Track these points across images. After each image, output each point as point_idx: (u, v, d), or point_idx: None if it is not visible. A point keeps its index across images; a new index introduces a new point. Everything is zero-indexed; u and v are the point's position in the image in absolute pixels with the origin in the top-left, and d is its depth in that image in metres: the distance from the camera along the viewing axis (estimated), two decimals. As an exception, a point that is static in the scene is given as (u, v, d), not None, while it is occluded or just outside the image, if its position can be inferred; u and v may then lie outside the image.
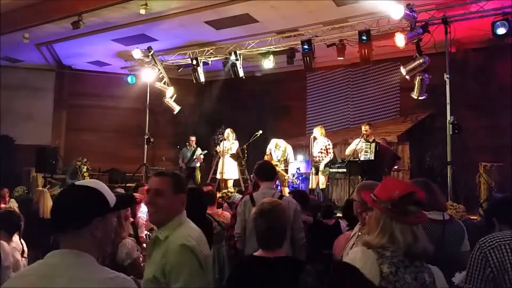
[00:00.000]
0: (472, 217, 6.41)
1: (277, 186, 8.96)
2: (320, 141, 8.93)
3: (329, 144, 8.88)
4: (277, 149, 9.38)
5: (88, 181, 1.64)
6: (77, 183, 1.64)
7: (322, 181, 8.89)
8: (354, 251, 1.89)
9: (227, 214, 5.06)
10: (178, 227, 2.15)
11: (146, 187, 5.28)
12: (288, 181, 9.51)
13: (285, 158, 9.40)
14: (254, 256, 2.41)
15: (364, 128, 8.54)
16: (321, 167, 8.82)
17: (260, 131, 9.90)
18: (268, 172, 4.16)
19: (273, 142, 9.48)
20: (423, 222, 1.90)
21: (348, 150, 8.74)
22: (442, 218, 3.02)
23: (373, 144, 8.28)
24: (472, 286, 2.18)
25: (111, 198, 1.60)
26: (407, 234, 1.81)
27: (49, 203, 5.72)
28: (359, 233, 2.71)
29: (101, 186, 1.61)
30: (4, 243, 3.46)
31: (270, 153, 9.39)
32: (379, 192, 1.95)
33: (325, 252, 3.77)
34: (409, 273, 1.77)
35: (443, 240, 2.87)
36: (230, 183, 10.00)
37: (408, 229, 1.82)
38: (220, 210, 5.31)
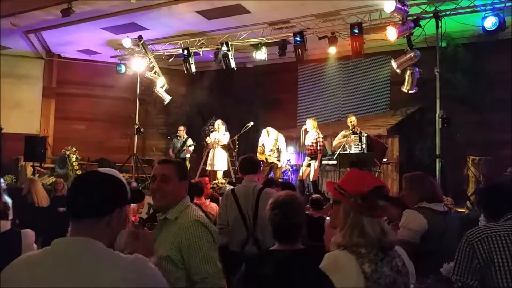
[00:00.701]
0: (460, 210, 6.51)
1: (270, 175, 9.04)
2: (311, 134, 8.95)
3: (319, 138, 8.89)
4: (269, 136, 9.37)
5: (108, 170, 1.61)
6: (100, 170, 1.60)
7: (312, 173, 8.94)
8: (331, 257, 1.79)
9: (214, 206, 5.12)
10: (186, 208, 2.28)
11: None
12: (282, 171, 9.55)
13: (277, 147, 9.42)
14: (273, 250, 2.31)
15: (350, 119, 8.59)
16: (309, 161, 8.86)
17: (251, 123, 9.90)
18: (249, 166, 4.15)
19: (264, 131, 9.49)
20: (387, 215, 1.91)
21: (336, 141, 8.80)
22: (443, 210, 3.11)
23: (364, 137, 8.35)
24: (460, 277, 2.22)
25: (128, 189, 1.60)
26: (375, 227, 1.79)
27: (41, 191, 5.69)
28: None
29: (121, 176, 1.60)
30: (28, 231, 3.39)
31: (263, 144, 9.40)
32: (345, 184, 1.89)
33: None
34: (385, 265, 1.76)
35: (445, 231, 2.94)
36: (219, 174, 10.01)
37: (375, 223, 1.80)
38: (207, 201, 5.35)
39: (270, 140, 9.45)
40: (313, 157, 8.81)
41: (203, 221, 2.21)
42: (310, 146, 8.84)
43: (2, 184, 6.52)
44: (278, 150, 9.42)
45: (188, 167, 11.04)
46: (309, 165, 8.87)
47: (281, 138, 9.54)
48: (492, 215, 2.43)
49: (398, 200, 3.51)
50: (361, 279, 1.69)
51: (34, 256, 1.48)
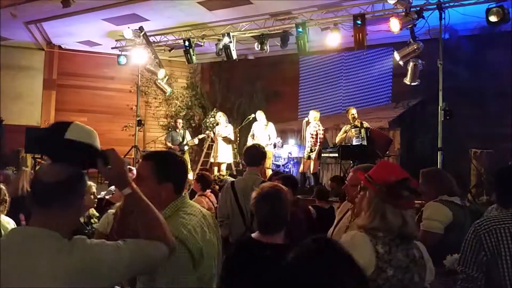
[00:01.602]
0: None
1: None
2: (312, 125, 8.93)
3: (320, 130, 8.87)
4: (259, 121, 9.42)
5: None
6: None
7: (313, 165, 8.93)
8: (349, 235, 1.93)
9: (212, 197, 5.17)
10: (173, 214, 1.92)
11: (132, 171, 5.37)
12: (283, 163, 9.57)
13: (268, 134, 9.43)
14: (251, 239, 2.39)
15: (351, 112, 8.56)
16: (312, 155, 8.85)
17: (253, 115, 9.89)
18: (252, 157, 3.98)
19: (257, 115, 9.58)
20: (413, 207, 1.96)
21: (339, 138, 8.79)
22: (462, 204, 3.19)
23: (363, 130, 8.33)
24: (465, 269, 2.22)
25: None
26: (397, 217, 1.87)
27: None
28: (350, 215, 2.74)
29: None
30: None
31: (253, 134, 9.47)
32: (375, 174, 1.99)
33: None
34: (400, 250, 1.85)
35: (465, 224, 2.95)
36: (223, 167, 10.02)
37: (398, 213, 1.88)
38: (207, 192, 5.41)
39: (260, 126, 9.48)
40: (313, 149, 8.80)
41: (182, 236, 1.82)
42: (310, 137, 8.83)
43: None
44: (268, 137, 9.42)
45: (188, 160, 11.06)
46: (309, 158, 8.86)
47: (271, 125, 9.57)
48: (504, 200, 2.41)
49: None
50: (373, 258, 1.80)
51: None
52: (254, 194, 2.41)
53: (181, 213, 1.94)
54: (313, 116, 8.91)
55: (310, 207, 5.25)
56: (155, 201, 1.86)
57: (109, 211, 3.02)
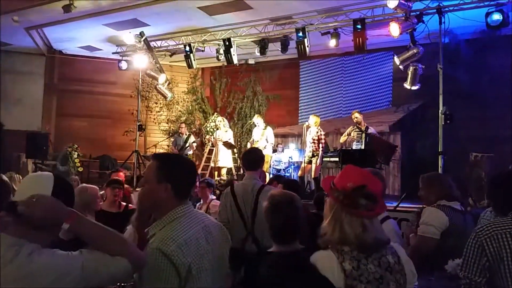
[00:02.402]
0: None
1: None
2: (312, 130, 8.93)
3: (321, 135, 8.88)
4: (257, 126, 9.44)
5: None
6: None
7: (314, 170, 8.92)
8: (314, 258, 1.81)
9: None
10: (168, 224, 1.86)
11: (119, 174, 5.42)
12: (284, 167, 9.57)
13: (265, 138, 9.44)
14: (271, 252, 2.29)
15: (354, 116, 8.61)
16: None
17: (254, 119, 9.92)
18: (250, 162, 3.94)
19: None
20: (374, 216, 1.82)
21: (342, 139, 8.83)
22: (461, 209, 3.15)
23: (363, 135, 8.34)
24: (468, 274, 2.20)
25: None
26: (356, 226, 1.77)
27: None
28: None
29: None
30: None
31: (252, 139, 9.50)
32: (337, 180, 1.90)
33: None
34: (371, 262, 1.75)
35: (465, 229, 2.95)
36: (223, 171, 10.03)
37: (357, 221, 1.78)
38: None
39: (258, 130, 9.50)
40: (314, 154, 8.80)
41: (168, 250, 1.73)
42: (311, 143, 8.83)
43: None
44: (266, 141, 9.43)
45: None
46: (309, 162, 8.85)
47: (269, 129, 9.60)
48: (501, 208, 2.38)
49: None
50: (341, 277, 1.70)
51: None
52: (265, 204, 2.33)
53: (176, 224, 1.86)
54: (314, 121, 8.92)
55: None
56: (154, 202, 1.90)
57: (128, 227, 3.00)
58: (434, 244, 2.93)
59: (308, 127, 8.98)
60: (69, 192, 1.73)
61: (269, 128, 9.68)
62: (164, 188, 1.87)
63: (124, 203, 4.69)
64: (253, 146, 9.33)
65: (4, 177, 3.37)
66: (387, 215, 2.64)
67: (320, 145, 8.79)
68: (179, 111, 13.24)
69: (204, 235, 1.93)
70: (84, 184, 4.25)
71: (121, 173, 5.98)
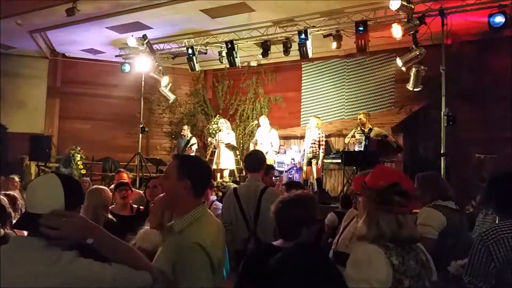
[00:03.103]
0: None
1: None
2: (314, 131, 8.93)
3: (322, 137, 8.89)
4: (261, 127, 9.44)
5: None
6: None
7: (316, 171, 8.93)
8: (361, 251, 1.85)
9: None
10: (195, 221, 2.03)
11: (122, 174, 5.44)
12: (287, 169, 9.55)
13: (270, 141, 9.43)
14: (274, 246, 2.33)
15: (359, 117, 8.62)
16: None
17: (256, 121, 9.93)
18: (252, 164, 3.99)
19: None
20: (408, 212, 1.88)
21: (347, 140, 8.83)
22: (456, 208, 3.17)
23: (364, 137, 8.34)
24: (473, 280, 2.16)
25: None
26: (391, 223, 1.83)
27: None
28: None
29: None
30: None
31: (256, 140, 9.50)
32: (369, 179, 1.96)
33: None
34: (412, 258, 1.82)
35: (461, 228, 2.95)
36: (225, 173, 10.03)
37: (392, 218, 1.83)
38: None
39: (262, 132, 9.50)
40: (314, 155, 8.80)
41: (206, 245, 1.92)
42: (312, 144, 8.83)
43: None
44: (271, 145, 9.43)
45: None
46: (310, 164, 8.85)
47: (274, 132, 9.59)
48: (503, 209, 2.35)
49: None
50: (390, 271, 1.75)
51: None
52: (275, 203, 2.37)
53: (203, 221, 2.05)
54: (316, 122, 8.94)
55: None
56: (174, 198, 2.08)
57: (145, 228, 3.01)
58: (433, 244, 2.92)
59: (309, 128, 9.00)
60: (79, 189, 1.76)
61: (273, 131, 9.66)
62: (184, 184, 2.05)
63: (136, 206, 4.70)
64: (256, 147, 9.36)
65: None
66: None
67: (321, 147, 8.80)
68: (182, 113, 13.26)
69: (222, 234, 2.16)
70: (97, 186, 4.27)
71: (124, 174, 5.99)
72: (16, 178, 6.84)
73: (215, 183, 8.11)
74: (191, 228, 1.99)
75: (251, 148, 9.63)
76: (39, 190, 1.63)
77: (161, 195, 2.34)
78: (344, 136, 9.60)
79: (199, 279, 1.88)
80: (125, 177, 5.66)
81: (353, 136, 8.67)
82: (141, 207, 4.68)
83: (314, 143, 8.85)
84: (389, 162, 9.01)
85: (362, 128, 8.51)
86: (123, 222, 3.94)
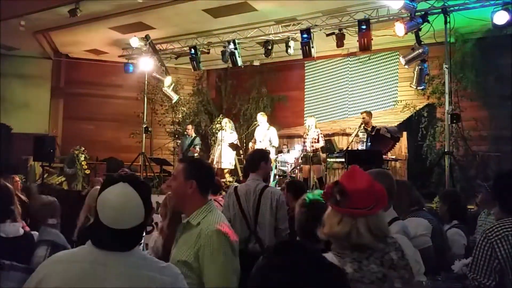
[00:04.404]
0: (469, 207, 6.45)
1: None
2: (312, 132, 8.94)
3: (320, 133, 8.92)
4: (259, 125, 9.44)
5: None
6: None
7: (316, 171, 8.91)
8: None
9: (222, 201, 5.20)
10: (209, 213, 2.25)
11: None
12: (279, 169, 9.56)
13: (269, 139, 9.42)
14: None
15: (362, 116, 8.60)
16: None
17: (257, 117, 9.92)
18: (250, 164, 4.06)
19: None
20: (358, 215, 1.76)
21: (350, 139, 8.82)
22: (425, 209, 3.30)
23: (365, 135, 8.33)
24: (477, 276, 2.15)
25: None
26: (330, 219, 1.79)
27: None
28: None
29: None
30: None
31: (254, 139, 9.51)
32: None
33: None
34: (373, 261, 1.73)
35: (440, 228, 2.96)
36: (226, 173, 10.04)
37: (338, 220, 1.77)
38: (218, 197, 5.45)
39: (261, 130, 9.49)
40: (314, 155, 8.80)
41: (225, 230, 2.16)
42: (311, 144, 8.83)
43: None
44: (269, 142, 9.41)
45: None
46: (309, 163, 8.86)
47: (272, 129, 9.58)
48: (509, 207, 2.32)
49: None
50: None
51: (71, 253, 1.59)
52: (300, 202, 2.40)
53: (215, 213, 2.28)
54: (314, 123, 8.97)
55: None
56: (182, 196, 2.30)
57: (153, 233, 3.11)
58: (432, 251, 2.91)
59: (308, 129, 9.01)
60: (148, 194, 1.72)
61: (272, 129, 9.65)
62: (190, 184, 2.26)
63: None
64: (255, 145, 9.36)
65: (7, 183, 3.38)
66: (396, 217, 2.60)
67: (320, 146, 8.81)
68: (185, 113, 13.25)
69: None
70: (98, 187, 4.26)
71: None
72: (16, 178, 6.86)
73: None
74: (207, 218, 2.21)
75: (250, 147, 9.63)
76: (125, 205, 1.54)
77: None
78: (348, 135, 9.59)
79: (225, 262, 2.09)
80: None
81: (357, 135, 8.65)
82: None
83: (314, 142, 8.84)
84: (394, 161, 8.99)
85: (365, 127, 8.49)
86: None
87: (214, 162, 10.11)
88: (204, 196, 2.31)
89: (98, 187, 4.17)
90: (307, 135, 8.93)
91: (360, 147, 8.47)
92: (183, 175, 2.29)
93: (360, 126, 8.58)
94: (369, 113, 8.76)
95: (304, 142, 8.99)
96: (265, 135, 9.46)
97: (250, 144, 9.65)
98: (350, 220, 1.74)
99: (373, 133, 8.29)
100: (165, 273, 1.54)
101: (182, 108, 13.17)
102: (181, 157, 10.65)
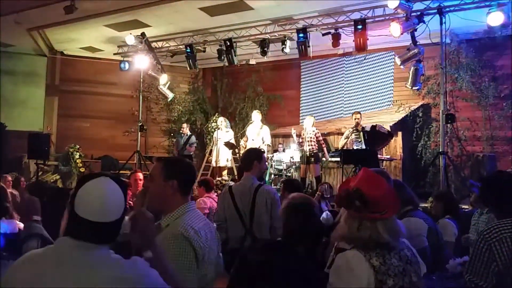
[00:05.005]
0: (463, 207, 6.49)
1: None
2: (310, 130, 8.93)
3: (318, 133, 8.92)
4: (253, 123, 9.46)
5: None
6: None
7: (314, 169, 8.93)
8: (341, 257, 1.86)
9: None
10: (182, 215, 2.09)
11: (137, 174, 5.35)
12: (274, 168, 9.57)
13: (261, 137, 9.42)
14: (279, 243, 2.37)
15: (355, 116, 8.62)
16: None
17: (252, 115, 9.92)
18: (243, 163, 4.05)
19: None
20: (377, 219, 1.83)
21: (341, 143, 8.81)
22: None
23: (361, 134, 8.34)
24: (473, 278, 2.15)
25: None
26: (357, 226, 1.85)
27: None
28: None
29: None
30: None
31: (246, 137, 9.51)
32: (343, 184, 2.03)
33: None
34: (393, 256, 1.83)
35: (434, 226, 2.99)
36: (224, 171, 10.03)
37: (359, 222, 1.85)
38: (212, 193, 5.53)
39: (254, 128, 9.49)
40: (311, 154, 8.80)
41: (188, 234, 1.97)
42: (309, 143, 8.83)
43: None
44: (262, 140, 9.41)
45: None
46: (307, 162, 8.86)
47: (265, 128, 9.60)
48: (501, 209, 2.32)
49: None
50: (371, 273, 1.76)
51: (37, 254, 1.53)
52: (284, 203, 2.40)
53: (189, 215, 2.10)
54: (311, 122, 8.97)
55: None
56: (161, 198, 2.12)
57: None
58: (429, 251, 2.93)
59: (304, 128, 9.02)
60: (127, 191, 1.73)
61: (265, 127, 9.65)
62: (171, 184, 2.10)
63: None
64: (246, 143, 9.37)
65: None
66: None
67: (318, 145, 8.80)
68: (180, 111, 13.23)
69: (208, 230, 2.16)
70: None
71: (139, 173, 5.74)
72: (9, 177, 6.82)
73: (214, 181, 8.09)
74: (177, 221, 2.05)
75: (242, 145, 9.64)
76: (109, 198, 1.54)
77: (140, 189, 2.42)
78: (343, 134, 9.60)
79: (181, 268, 1.90)
80: (141, 176, 5.53)
81: (347, 137, 8.64)
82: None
83: (311, 141, 8.84)
84: (389, 160, 9.03)
85: (357, 128, 8.50)
86: None
87: (213, 162, 10.10)
88: (185, 197, 2.16)
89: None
90: (304, 135, 8.93)
91: (355, 146, 8.49)
92: (162, 175, 2.12)
93: (354, 128, 8.58)
94: (360, 113, 8.83)
95: (300, 142, 8.98)
96: (258, 133, 9.46)
97: (242, 142, 9.64)
98: (369, 224, 1.82)
99: (368, 130, 8.31)
100: (127, 270, 1.48)
101: (178, 106, 13.16)
102: (176, 155, 10.65)
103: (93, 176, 1.57)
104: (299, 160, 9.37)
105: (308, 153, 8.79)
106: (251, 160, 3.97)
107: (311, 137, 8.85)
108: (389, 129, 9.44)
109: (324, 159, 9.11)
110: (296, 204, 2.40)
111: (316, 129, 9.01)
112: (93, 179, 1.56)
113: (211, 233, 2.17)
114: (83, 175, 1.78)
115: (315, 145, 8.84)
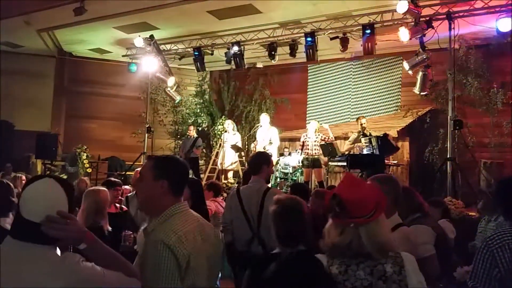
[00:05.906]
0: (470, 213, 6.44)
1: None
2: (312, 136, 8.92)
3: (323, 136, 8.91)
4: (261, 126, 9.47)
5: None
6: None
7: (317, 174, 8.90)
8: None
9: (223, 203, 5.21)
10: (168, 219, 1.96)
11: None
12: (280, 171, 9.55)
13: (269, 139, 9.41)
14: (276, 253, 2.27)
15: (361, 121, 8.58)
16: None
17: (261, 117, 9.93)
18: (251, 165, 4.05)
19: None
20: (358, 223, 1.79)
21: (346, 147, 8.78)
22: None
23: (374, 139, 8.29)
24: (476, 284, 2.13)
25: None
26: (332, 232, 1.83)
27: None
28: None
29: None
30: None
31: (256, 142, 9.51)
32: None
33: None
34: (362, 268, 1.77)
35: (444, 234, 2.97)
36: (230, 174, 10.03)
37: (338, 229, 1.82)
38: (219, 198, 5.50)
39: (263, 131, 9.49)
40: (314, 158, 8.79)
41: (169, 242, 1.83)
42: (312, 147, 8.82)
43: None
44: (270, 142, 9.40)
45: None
46: (308, 166, 8.84)
47: (274, 129, 9.58)
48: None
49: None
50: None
51: None
52: (272, 208, 2.32)
53: (175, 219, 1.96)
54: (316, 127, 8.96)
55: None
56: (149, 199, 2.00)
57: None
58: (435, 259, 2.89)
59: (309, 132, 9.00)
60: (73, 193, 1.74)
61: (273, 128, 9.63)
62: (161, 184, 1.97)
63: (118, 204, 4.68)
64: (256, 147, 9.36)
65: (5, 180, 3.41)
66: (400, 223, 2.58)
67: (319, 149, 8.80)
68: (187, 113, 13.26)
69: (200, 233, 2.01)
70: (94, 188, 3.96)
71: None
72: (23, 177, 6.85)
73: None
74: (161, 226, 1.92)
75: (252, 148, 9.64)
76: (42, 198, 1.56)
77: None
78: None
79: (162, 277, 1.81)
80: None
81: (356, 142, 8.60)
82: (123, 206, 4.69)
83: (316, 144, 8.84)
84: (395, 166, 8.98)
85: (364, 132, 8.47)
86: (109, 219, 3.81)
87: (218, 164, 10.10)
88: (177, 197, 2.02)
89: (95, 187, 4.09)
90: (309, 137, 8.91)
91: (366, 151, 8.44)
92: (152, 175, 2.00)
93: (361, 133, 8.54)
94: (365, 118, 8.82)
95: (303, 146, 8.97)
96: (266, 135, 9.46)
97: (252, 145, 9.64)
98: (352, 230, 1.78)
99: (381, 136, 8.27)
100: (60, 277, 1.48)
101: (183, 108, 13.18)
102: (183, 157, 10.65)
103: (37, 178, 1.61)
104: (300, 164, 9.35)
105: (312, 157, 8.78)
106: (260, 164, 3.96)
107: (315, 141, 8.83)
108: (396, 134, 9.46)
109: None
110: (285, 206, 2.31)
111: (320, 133, 8.99)
112: (37, 180, 1.60)
113: (206, 234, 2.05)
114: (32, 176, 1.79)
115: (319, 149, 8.82)
